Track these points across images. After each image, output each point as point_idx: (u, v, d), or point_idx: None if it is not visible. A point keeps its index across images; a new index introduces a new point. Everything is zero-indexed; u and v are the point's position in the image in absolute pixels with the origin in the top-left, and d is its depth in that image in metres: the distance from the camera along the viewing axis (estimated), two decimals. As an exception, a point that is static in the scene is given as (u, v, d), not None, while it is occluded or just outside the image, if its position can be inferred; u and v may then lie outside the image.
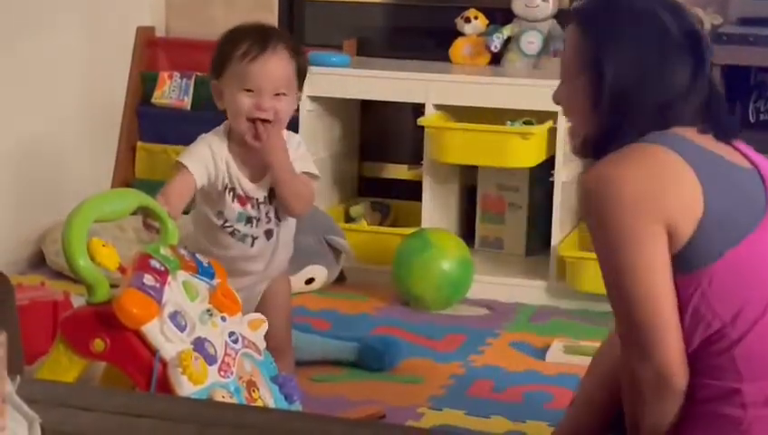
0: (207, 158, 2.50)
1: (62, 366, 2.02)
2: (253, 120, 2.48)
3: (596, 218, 1.83)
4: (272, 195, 2.52)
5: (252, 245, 2.53)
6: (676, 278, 1.80)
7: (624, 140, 1.85)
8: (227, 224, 2.52)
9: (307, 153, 2.58)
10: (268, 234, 2.54)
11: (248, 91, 2.47)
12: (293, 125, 3.91)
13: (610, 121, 1.88)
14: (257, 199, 2.52)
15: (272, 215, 2.54)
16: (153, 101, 4.20)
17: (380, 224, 4.00)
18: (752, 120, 3.61)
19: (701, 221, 1.77)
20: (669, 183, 1.79)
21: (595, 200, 1.82)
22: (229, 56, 2.49)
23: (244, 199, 2.52)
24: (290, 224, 2.59)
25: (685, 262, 1.79)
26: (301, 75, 2.54)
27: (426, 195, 3.72)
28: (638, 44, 1.88)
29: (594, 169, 1.85)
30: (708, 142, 1.87)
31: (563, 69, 1.97)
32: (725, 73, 3.55)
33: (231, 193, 2.52)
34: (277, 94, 2.48)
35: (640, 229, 1.78)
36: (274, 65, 2.48)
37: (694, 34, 1.91)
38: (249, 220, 2.53)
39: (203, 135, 2.55)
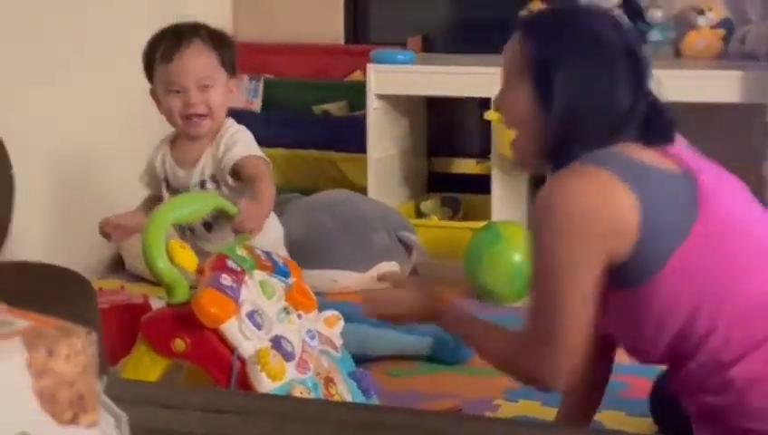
0: (149, 168, 2.64)
1: (145, 366, 2.07)
2: (187, 117, 2.53)
3: (548, 231, 1.87)
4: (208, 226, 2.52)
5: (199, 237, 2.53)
6: (622, 293, 1.87)
7: (573, 154, 1.89)
8: None
9: (245, 138, 2.55)
10: (207, 226, 2.52)
11: (175, 91, 2.52)
12: (361, 124, 3.96)
13: (560, 133, 1.91)
14: (186, 190, 2.55)
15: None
16: (223, 103, 4.26)
17: (451, 219, 4.02)
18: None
19: (638, 241, 1.82)
20: (612, 210, 1.83)
21: (549, 215, 1.87)
22: (152, 61, 2.56)
23: (174, 192, 2.57)
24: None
25: (629, 277, 1.85)
26: (226, 63, 2.57)
27: (495, 188, 3.73)
28: (585, 58, 1.91)
29: (549, 187, 1.90)
30: (644, 154, 1.90)
31: (507, 77, 1.99)
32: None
33: (165, 184, 2.60)
34: (204, 87, 2.52)
35: (582, 250, 1.84)
36: (191, 59, 2.52)
37: (634, 52, 1.94)
38: None
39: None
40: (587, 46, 1.92)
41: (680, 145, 1.97)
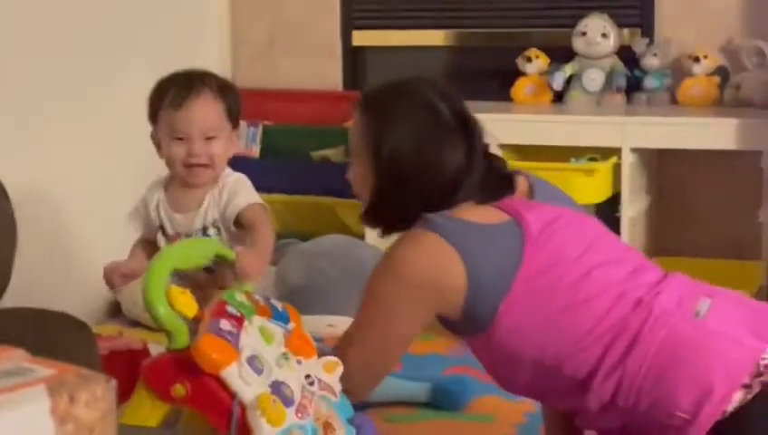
0: (141, 210, 2.64)
1: (145, 411, 2.07)
2: (189, 166, 2.54)
3: (383, 288, 2.09)
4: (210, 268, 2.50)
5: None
6: (473, 340, 2.08)
7: (409, 218, 2.06)
8: None
9: (247, 186, 2.57)
10: (207, 271, 2.50)
11: (179, 139, 2.53)
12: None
13: (388, 195, 2.09)
14: (187, 235, 2.56)
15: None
16: (221, 149, 4.28)
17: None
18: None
19: (467, 295, 2.00)
20: (439, 273, 2.03)
21: (384, 276, 2.08)
22: (158, 105, 2.56)
23: (172, 238, 2.58)
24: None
25: (471, 328, 2.04)
26: (231, 115, 2.58)
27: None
28: (415, 127, 2.07)
29: (388, 252, 2.10)
30: (475, 212, 2.07)
31: (351, 150, 2.17)
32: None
33: (161, 231, 2.60)
34: (208, 138, 2.53)
35: (411, 309, 2.06)
36: (200, 110, 2.53)
37: (464, 117, 2.11)
38: None
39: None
40: (416, 115, 2.08)
41: (521, 194, 2.15)
